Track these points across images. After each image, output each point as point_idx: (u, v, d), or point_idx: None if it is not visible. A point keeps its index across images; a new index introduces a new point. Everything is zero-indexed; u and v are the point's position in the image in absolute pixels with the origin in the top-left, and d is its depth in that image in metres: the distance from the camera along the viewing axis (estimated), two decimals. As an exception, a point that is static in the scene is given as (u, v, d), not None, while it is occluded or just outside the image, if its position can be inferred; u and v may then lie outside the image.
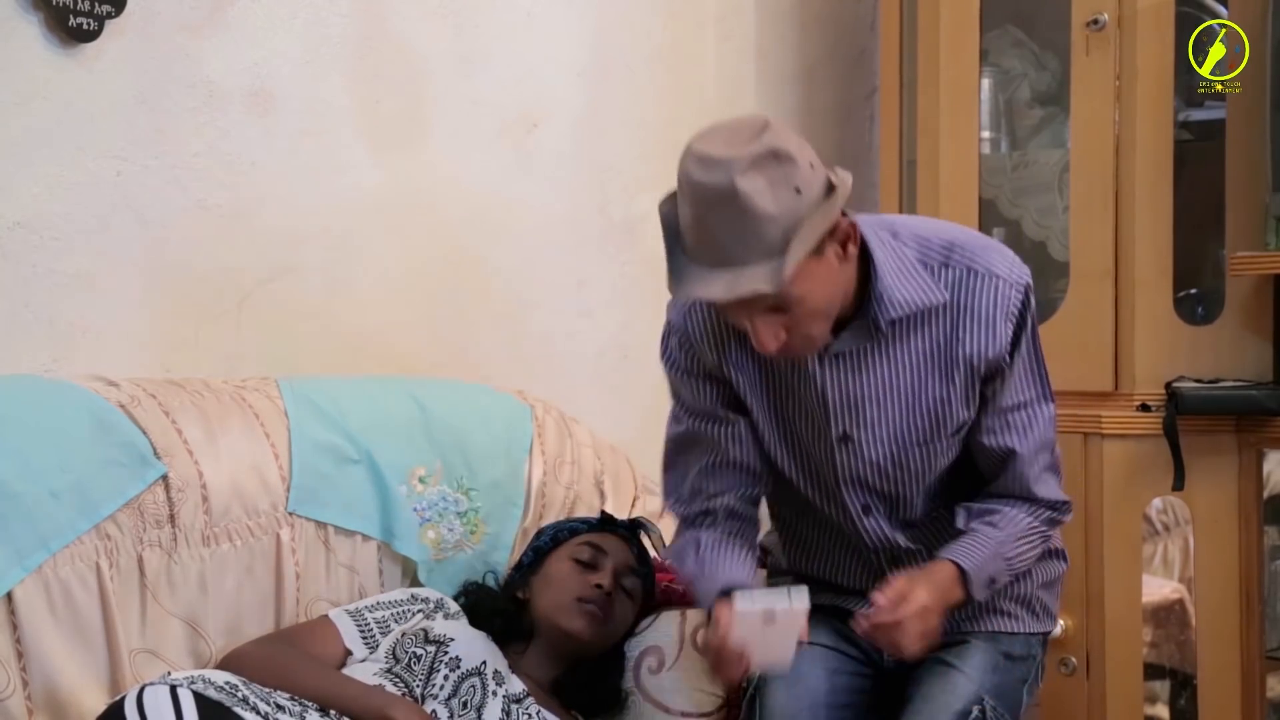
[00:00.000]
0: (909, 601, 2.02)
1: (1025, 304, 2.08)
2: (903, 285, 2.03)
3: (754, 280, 1.84)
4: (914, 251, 2.06)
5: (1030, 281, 2.10)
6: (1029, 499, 2.15)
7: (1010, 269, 2.08)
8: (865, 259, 2.01)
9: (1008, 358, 2.08)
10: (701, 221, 1.87)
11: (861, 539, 2.21)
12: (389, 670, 2.14)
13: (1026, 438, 2.12)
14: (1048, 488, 2.16)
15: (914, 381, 2.08)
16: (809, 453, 2.16)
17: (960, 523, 2.15)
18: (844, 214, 1.95)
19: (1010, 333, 2.07)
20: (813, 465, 2.17)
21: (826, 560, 2.29)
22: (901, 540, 2.19)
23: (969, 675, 2.14)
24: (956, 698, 2.12)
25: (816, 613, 2.16)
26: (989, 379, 2.10)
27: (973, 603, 2.14)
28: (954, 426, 2.11)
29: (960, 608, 2.14)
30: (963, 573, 2.09)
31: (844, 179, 1.91)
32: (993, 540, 2.11)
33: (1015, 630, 2.24)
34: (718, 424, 2.16)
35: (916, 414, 2.10)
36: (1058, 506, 2.18)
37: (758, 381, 2.13)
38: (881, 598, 2.02)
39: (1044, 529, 2.17)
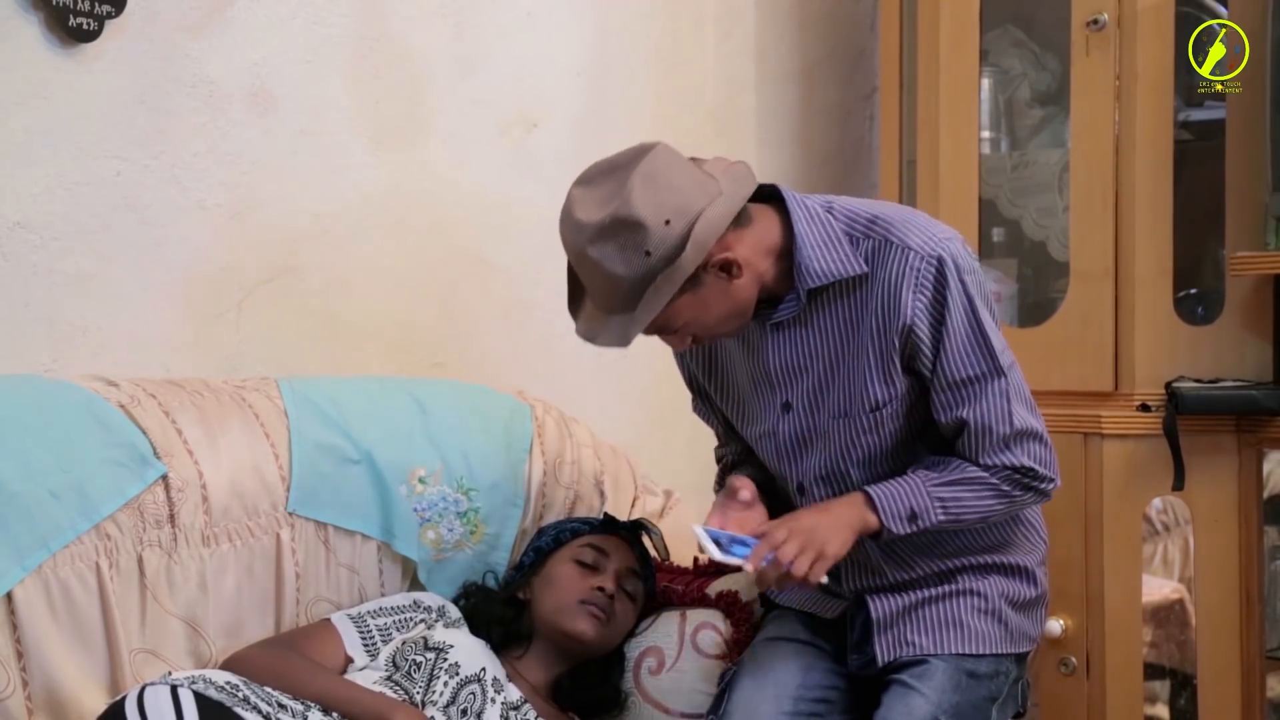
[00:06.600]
0: (772, 535, 2.03)
1: (940, 276, 2.05)
2: (821, 256, 2.08)
3: (609, 335, 2.01)
4: (842, 225, 2.11)
5: (948, 255, 2.06)
6: (984, 466, 2.12)
7: (925, 241, 2.07)
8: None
9: (925, 331, 2.07)
10: (575, 268, 2.06)
11: None
12: (389, 678, 2.14)
13: (977, 409, 2.09)
14: (1008, 456, 2.11)
15: (836, 351, 2.14)
16: (761, 426, 2.22)
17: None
18: (739, 221, 2.02)
19: (921, 304, 2.06)
20: (762, 439, 2.23)
21: None
22: None
23: (927, 696, 2.13)
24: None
25: (790, 609, 2.30)
26: (913, 354, 2.09)
27: (893, 535, 2.10)
28: (870, 403, 2.12)
29: (879, 538, 2.11)
30: (870, 499, 2.09)
31: (712, 215, 1.96)
32: (920, 479, 2.10)
33: (980, 651, 2.20)
34: (697, 399, 2.37)
35: (835, 384, 2.14)
36: (1021, 470, 2.12)
37: (709, 364, 2.27)
38: (755, 556, 2.03)
39: (1001, 485, 2.12)
